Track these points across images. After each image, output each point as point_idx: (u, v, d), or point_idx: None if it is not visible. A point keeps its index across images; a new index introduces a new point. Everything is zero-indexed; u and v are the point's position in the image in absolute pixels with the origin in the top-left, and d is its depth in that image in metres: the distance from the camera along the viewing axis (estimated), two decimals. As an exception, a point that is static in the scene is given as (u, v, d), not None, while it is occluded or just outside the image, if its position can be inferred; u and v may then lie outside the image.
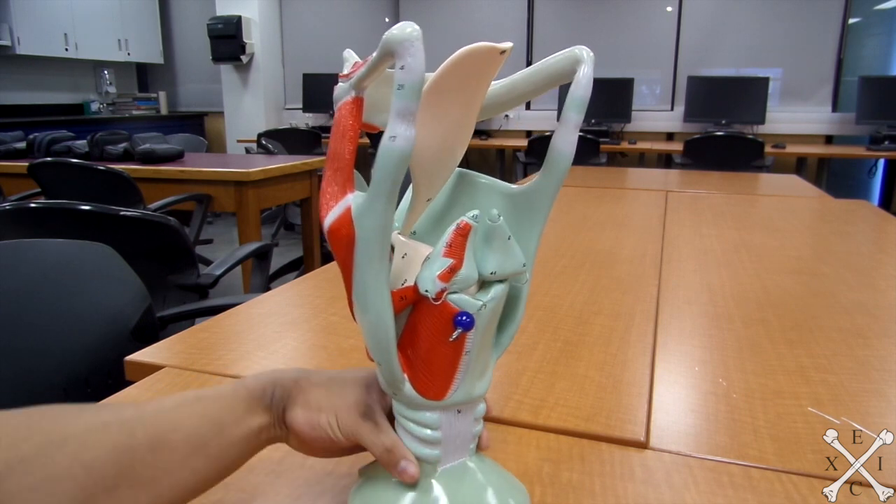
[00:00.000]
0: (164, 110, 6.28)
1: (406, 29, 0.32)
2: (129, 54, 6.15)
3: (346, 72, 0.38)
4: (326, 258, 3.27)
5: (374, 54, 0.35)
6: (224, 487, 0.49)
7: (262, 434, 0.42)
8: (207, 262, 2.25)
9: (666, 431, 0.58)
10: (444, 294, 0.38)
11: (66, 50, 5.50)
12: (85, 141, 2.81)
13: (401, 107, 0.32)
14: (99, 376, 0.85)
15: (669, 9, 4.73)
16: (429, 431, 0.42)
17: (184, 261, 1.60)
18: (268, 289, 1.28)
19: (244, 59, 5.41)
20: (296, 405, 0.43)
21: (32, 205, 1.51)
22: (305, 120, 5.54)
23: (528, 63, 5.00)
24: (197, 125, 6.29)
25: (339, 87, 0.38)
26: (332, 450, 0.44)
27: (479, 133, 4.90)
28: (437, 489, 0.42)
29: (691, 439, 0.57)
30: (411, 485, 0.42)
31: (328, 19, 5.69)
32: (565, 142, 0.38)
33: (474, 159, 5.26)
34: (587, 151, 4.06)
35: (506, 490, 0.45)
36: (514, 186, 0.42)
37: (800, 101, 4.56)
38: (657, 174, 2.68)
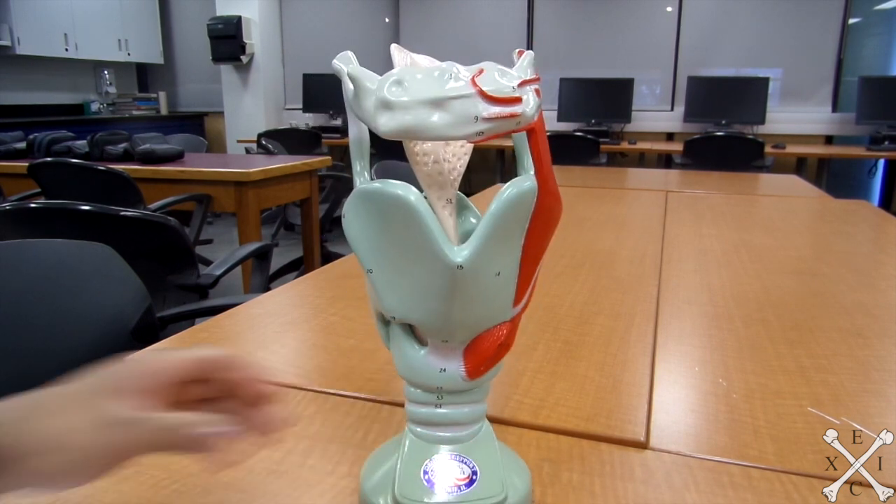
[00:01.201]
0: (164, 110, 6.29)
1: None
2: (129, 54, 6.15)
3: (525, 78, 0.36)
4: (326, 258, 3.27)
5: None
6: (224, 487, 0.49)
7: None
8: (207, 262, 2.25)
9: (666, 431, 0.58)
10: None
11: (66, 50, 5.51)
12: (85, 141, 2.81)
13: None
14: (99, 376, 0.85)
15: (669, 9, 4.73)
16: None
17: (184, 261, 1.60)
18: (268, 289, 1.28)
19: (244, 59, 5.40)
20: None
21: (32, 205, 1.51)
22: (305, 120, 5.54)
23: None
24: (197, 125, 6.29)
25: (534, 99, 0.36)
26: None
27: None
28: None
29: (691, 439, 0.57)
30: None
31: (328, 19, 5.68)
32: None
33: (474, 160, 5.22)
34: (587, 151, 4.06)
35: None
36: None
37: (800, 101, 4.56)
38: (657, 174, 2.68)
